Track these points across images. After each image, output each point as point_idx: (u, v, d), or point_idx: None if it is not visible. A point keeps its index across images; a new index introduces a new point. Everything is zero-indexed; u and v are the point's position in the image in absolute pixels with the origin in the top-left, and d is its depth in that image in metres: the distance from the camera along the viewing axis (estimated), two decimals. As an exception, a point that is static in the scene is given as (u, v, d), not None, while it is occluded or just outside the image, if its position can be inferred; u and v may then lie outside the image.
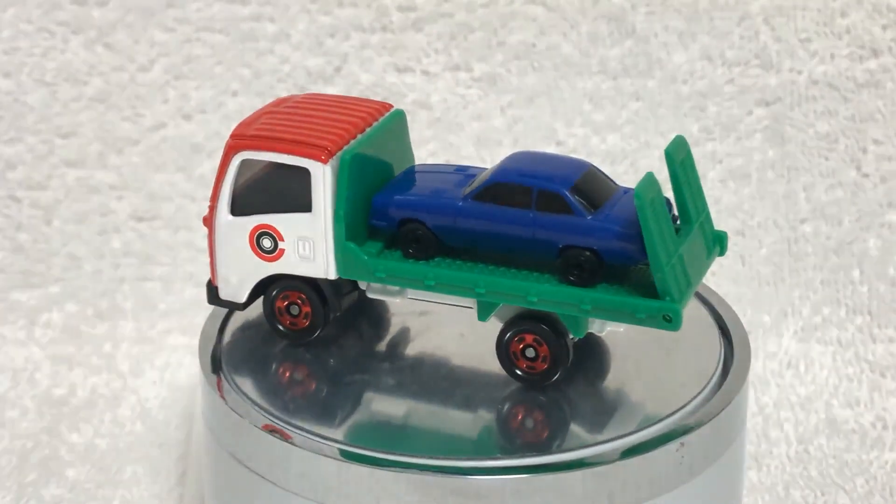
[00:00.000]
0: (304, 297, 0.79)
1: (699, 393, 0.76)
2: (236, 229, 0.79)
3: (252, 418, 0.75)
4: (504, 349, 0.76)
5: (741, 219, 1.12)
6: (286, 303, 0.80)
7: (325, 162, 0.76)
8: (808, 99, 1.11)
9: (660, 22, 1.10)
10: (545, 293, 0.74)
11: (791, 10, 1.10)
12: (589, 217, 0.74)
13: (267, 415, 0.75)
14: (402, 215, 0.77)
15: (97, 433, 1.02)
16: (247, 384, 0.78)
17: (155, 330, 1.11)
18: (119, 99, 1.10)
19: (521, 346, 0.76)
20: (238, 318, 0.84)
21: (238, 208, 0.78)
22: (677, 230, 0.75)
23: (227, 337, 0.82)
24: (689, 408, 0.76)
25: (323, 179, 0.76)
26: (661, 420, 0.74)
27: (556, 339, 0.75)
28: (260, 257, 0.78)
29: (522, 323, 0.75)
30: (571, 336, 0.76)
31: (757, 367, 1.08)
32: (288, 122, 0.78)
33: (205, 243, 1.12)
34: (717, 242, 0.78)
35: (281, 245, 0.78)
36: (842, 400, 1.05)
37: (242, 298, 0.80)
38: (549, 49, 1.10)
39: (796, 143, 1.11)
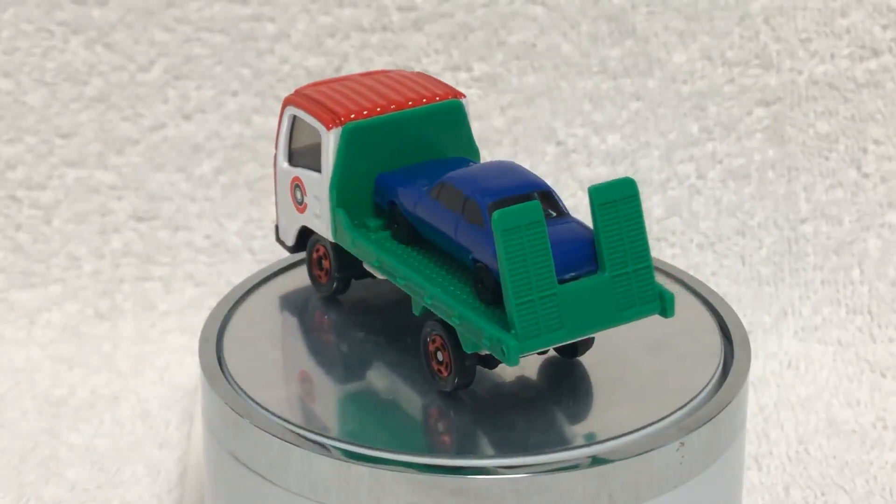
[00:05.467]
0: (327, 252, 0.83)
1: (699, 393, 0.76)
2: (286, 177, 0.84)
3: (252, 418, 0.75)
4: (424, 347, 0.76)
5: (741, 219, 1.12)
6: (317, 256, 0.84)
7: (329, 129, 0.79)
8: (808, 99, 1.11)
9: (660, 22, 1.10)
10: (436, 297, 0.74)
11: (791, 10, 1.10)
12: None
13: (267, 415, 0.75)
14: (389, 197, 0.79)
15: (97, 433, 1.02)
16: (247, 384, 0.78)
17: (155, 330, 1.11)
18: (119, 99, 1.10)
19: (434, 347, 0.76)
20: (238, 318, 0.84)
21: (291, 159, 0.84)
22: (590, 273, 0.73)
23: (227, 337, 0.82)
24: (689, 408, 0.75)
25: (327, 144, 0.80)
26: (661, 420, 0.74)
27: (455, 350, 0.74)
28: (295, 207, 0.83)
29: (436, 325, 0.75)
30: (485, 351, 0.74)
31: (757, 367, 1.08)
32: (343, 89, 0.82)
33: (204, 243, 1.12)
34: (660, 301, 0.74)
35: (305, 199, 0.82)
36: (842, 400, 1.05)
37: (290, 242, 0.85)
38: (549, 49, 1.10)
39: (796, 143, 1.11)
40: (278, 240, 0.86)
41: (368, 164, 0.80)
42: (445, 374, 0.75)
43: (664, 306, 0.74)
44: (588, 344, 0.78)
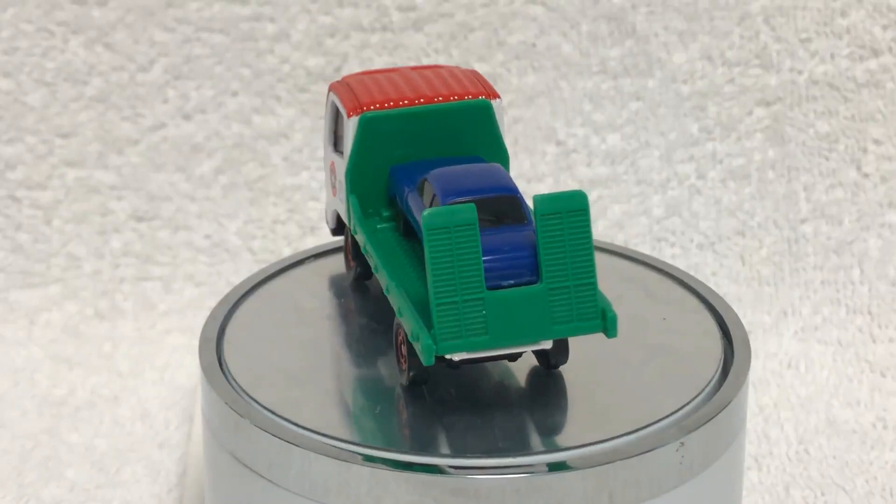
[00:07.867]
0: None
1: (699, 393, 0.76)
2: (327, 160, 0.85)
3: (252, 418, 0.75)
4: (395, 339, 0.77)
5: (741, 219, 1.12)
6: (351, 239, 0.85)
7: (349, 116, 0.80)
8: (808, 99, 1.11)
9: (660, 22, 1.10)
10: (390, 289, 0.74)
11: (791, 10, 1.10)
12: None
13: (267, 414, 0.75)
14: (394, 189, 0.80)
15: (97, 433, 1.02)
16: (247, 384, 0.78)
17: (155, 330, 1.11)
18: (119, 99, 1.10)
19: (400, 340, 0.76)
20: (238, 319, 0.84)
21: (335, 144, 0.84)
22: (530, 283, 0.72)
23: (227, 337, 0.82)
24: (689, 408, 0.75)
25: (347, 131, 0.81)
26: (661, 420, 0.74)
27: (410, 344, 0.74)
28: (331, 190, 0.85)
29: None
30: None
31: (757, 367, 1.08)
32: (383, 79, 0.83)
33: (204, 243, 1.12)
34: (601, 320, 0.72)
35: (336, 183, 0.84)
36: (842, 400, 1.05)
37: (331, 225, 0.87)
38: (549, 49, 1.10)
39: (796, 143, 1.11)
40: (326, 221, 0.88)
41: (386, 155, 0.80)
42: (405, 367, 0.76)
43: (606, 325, 0.73)
44: (562, 357, 0.76)
